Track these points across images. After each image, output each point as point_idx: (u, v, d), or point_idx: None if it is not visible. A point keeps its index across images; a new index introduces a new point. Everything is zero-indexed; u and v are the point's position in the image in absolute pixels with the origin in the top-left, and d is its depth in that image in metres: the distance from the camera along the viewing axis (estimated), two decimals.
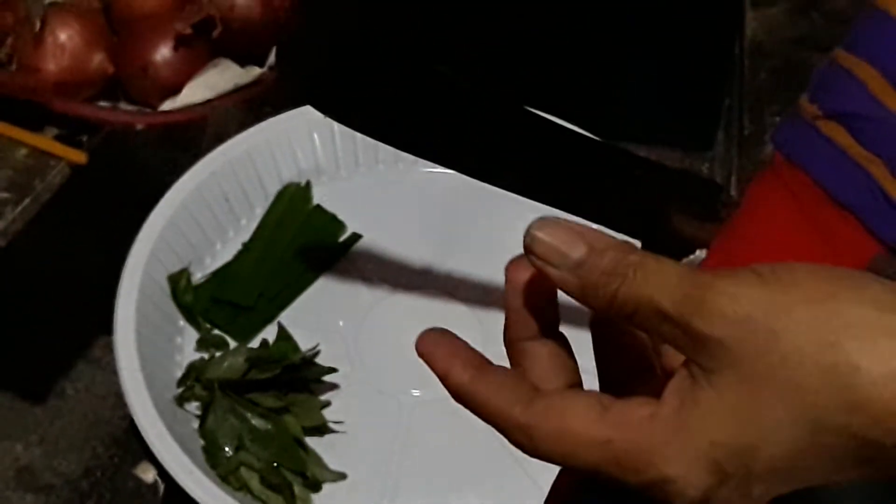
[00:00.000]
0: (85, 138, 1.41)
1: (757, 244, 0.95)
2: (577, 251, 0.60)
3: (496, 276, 1.31)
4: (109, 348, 1.30)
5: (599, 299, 0.60)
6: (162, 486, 1.25)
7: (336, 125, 1.34)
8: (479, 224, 1.42)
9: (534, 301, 0.65)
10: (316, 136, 1.41)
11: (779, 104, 1.35)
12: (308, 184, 1.41)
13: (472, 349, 0.66)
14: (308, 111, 1.36)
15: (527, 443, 0.61)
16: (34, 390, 1.56)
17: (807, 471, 0.57)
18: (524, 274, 0.65)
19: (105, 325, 1.30)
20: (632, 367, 0.67)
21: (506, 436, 0.62)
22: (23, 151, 1.40)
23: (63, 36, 1.40)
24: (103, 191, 1.42)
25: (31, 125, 1.41)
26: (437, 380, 1.26)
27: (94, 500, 1.46)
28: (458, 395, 0.64)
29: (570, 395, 0.62)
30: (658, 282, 0.58)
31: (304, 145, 1.42)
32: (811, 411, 0.56)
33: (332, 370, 1.28)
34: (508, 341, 0.66)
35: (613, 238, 0.60)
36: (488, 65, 1.53)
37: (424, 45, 1.47)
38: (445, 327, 0.66)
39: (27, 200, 1.37)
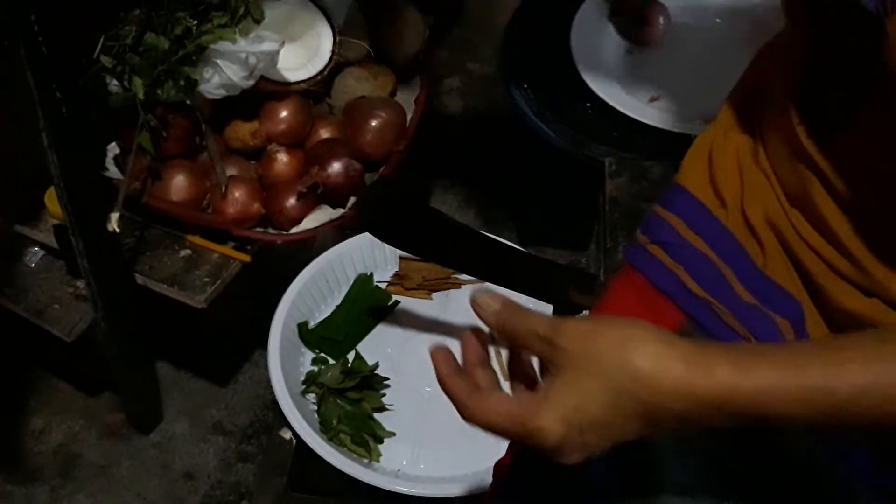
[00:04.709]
0: (249, 248, 1.40)
1: (611, 309, 0.91)
2: (496, 305, 0.66)
3: (471, 323, 1.41)
4: (264, 357, 1.31)
5: (506, 329, 0.66)
6: (294, 442, 1.26)
7: (385, 245, 1.35)
8: (458, 294, 1.41)
9: (476, 346, 0.69)
10: (374, 248, 1.40)
11: (625, 231, 1.30)
12: (371, 274, 1.41)
13: (455, 359, 0.69)
14: (369, 235, 1.35)
15: (469, 417, 0.65)
16: (222, 379, 1.65)
17: (617, 426, 0.61)
18: (472, 338, 0.70)
19: (261, 344, 1.32)
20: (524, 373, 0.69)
21: (458, 410, 0.66)
22: (215, 255, 1.39)
23: (237, 193, 1.39)
24: (260, 277, 1.42)
25: (220, 241, 1.40)
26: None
27: (256, 443, 1.56)
28: (439, 381, 0.68)
29: (491, 391, 0.66)
30: (536, 318, 0.65)
31: (368, 253, 1.41)
32: (611, 384, 0.60)
33: (386, 378, 1.32)
34: (464, 365, 0.68)
35: (513, 300, 0.67)
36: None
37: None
38: (444, 350, 0.68)
39: (219, 281, 1.37)
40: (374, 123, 1.48)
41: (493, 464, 1.17)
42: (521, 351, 0.69)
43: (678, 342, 0.61)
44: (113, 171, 1.42)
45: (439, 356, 0.69)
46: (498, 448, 1.18)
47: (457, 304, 1.41)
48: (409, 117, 1.52)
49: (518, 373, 0.70)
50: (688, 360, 0.60)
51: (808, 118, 0.73)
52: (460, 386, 0.67)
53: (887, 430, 0.60)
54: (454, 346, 1.30)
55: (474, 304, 0.67)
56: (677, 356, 0.60)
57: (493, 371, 0.69)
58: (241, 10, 1.33)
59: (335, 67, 1.49)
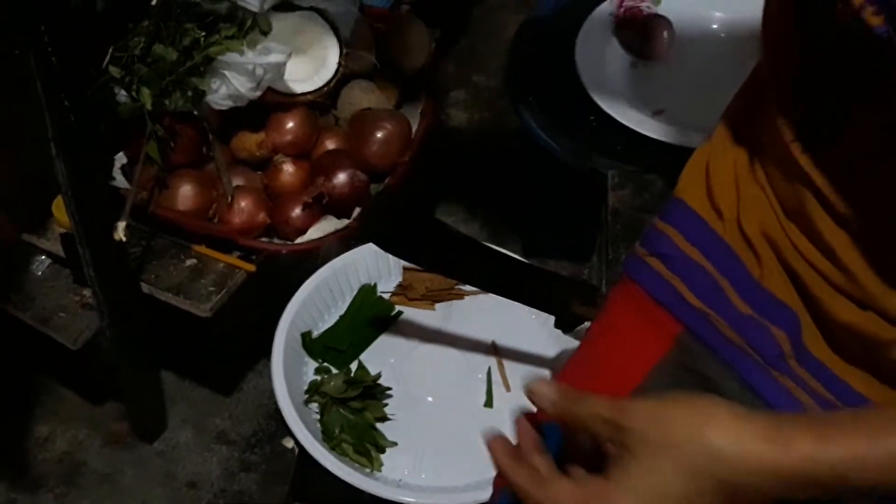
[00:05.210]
0: (254, 257, 1.40)
1: (610, 320, 0.91)
2: (553, 393, 0.65)
3: (474, 334, 1.42)
4: (268, 366, 1.32)
5: (567, 417, 0.64)
6: (297, 451, 1.26)
7: (389, 255, 1.37)
8: (461, 305, 1.43)
9: (531, 431, 0.68)
10: (378, 259, 1.41)
11: (627, 243, 1.31)
12: (375, 284, 1.43)
13: (512, 447, 0.67)
14: (373, 246, 1.35)
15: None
16: (225, 388, 1.66)
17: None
18: (526, 423, 0.68)
19: (265, 354, 1.33)
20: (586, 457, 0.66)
21: (522, 498, 0.64)
22: (221, 264, 1.39)
23: (243, 203, 1.39)
24: (265, 286, 1.42)
25: (226, 251, 1.40)
26: (443, 390, 1.37)
27: (259, 452, 1.57)
28: (500, 470, 0.66)
29: (555, 478, 0.64)
30: (597, 401, 0.63)
31: (372, 263, 1.42)
32: (689, 464, 0.59)
33: (388, 388, 1.33)
34: (521, 452, 0.66)
35: (569, 386, 0.65)
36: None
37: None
38: (501, 438, 0.66)
39: (224, 290, 1.36)
40: (379, 135, 1.48)
41: (494, 475, 1.22)
42: (578, 434, 0.66)
43: (753, 416, 0.60)
44: (120, 180, 1.42)
45: (497, 445, 0.67)
46: None
47: (460, 314, 1.42)
48: (414, 129, 1.53)
49: (574, 454, 0.67)
50: (766, 436, 0.59)
51: (802, 134, 0.73)
52: (523, 475, 0.65)
53: None
54: (456, 355, 1.38)
55: (529, 394, 0.66)
56: (755, 432, 0.59)
57: (550, 455, 0.67)
58: (249, 22, 1.35)
59: (341, 79, 1.49)
